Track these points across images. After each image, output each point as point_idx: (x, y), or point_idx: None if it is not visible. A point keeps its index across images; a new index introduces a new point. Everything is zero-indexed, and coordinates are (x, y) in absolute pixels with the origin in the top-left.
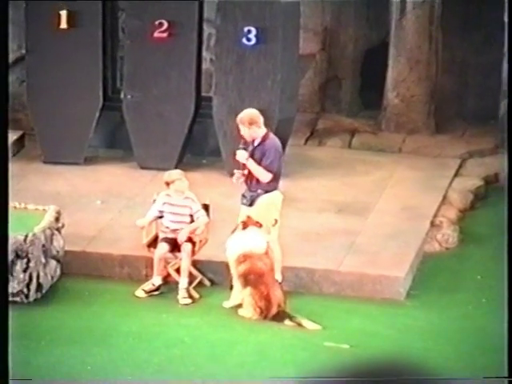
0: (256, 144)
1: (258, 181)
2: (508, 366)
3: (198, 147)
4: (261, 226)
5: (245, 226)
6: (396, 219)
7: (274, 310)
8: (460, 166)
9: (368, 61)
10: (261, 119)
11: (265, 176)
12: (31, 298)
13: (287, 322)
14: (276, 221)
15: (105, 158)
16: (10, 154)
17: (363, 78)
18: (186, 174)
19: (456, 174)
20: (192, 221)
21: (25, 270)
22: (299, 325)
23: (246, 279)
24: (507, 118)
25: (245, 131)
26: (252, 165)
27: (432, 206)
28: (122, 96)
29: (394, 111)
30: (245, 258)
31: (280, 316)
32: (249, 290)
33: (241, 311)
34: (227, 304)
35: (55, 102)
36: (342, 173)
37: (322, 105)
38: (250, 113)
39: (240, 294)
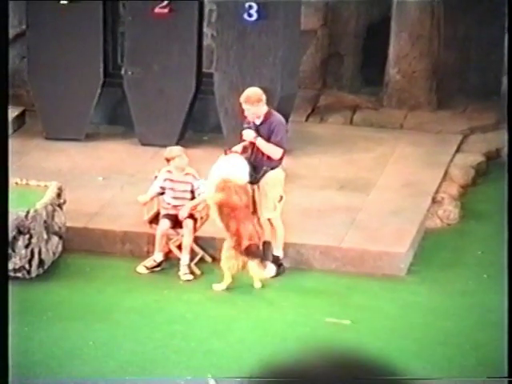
0: (259, 122)
1: (263, 158)
2: (508, 366)
3: (200, 124)
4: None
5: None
6: (397, 195)
7: (244, 243)
8: (461, 142)
9: (370, 36)
10: (264, 96)
11: (276, 152)
12: (33, 274)
13: (255, 261)
14: (281, 197)
15: (106, 135)
16: (11, 131)
17: (365, 54)
18: (187, 150)
19: (457, 150)
20: (193, 197)
21: (27, 246)
22: (263, 265)
23: (221, 210)
24: (507, 95)
25: (249, 110)
26: (262, 142)
27: (433, 182)
28: (122, 72)
29: (395, 87)
30: (224, 184)
31: (252, 251)
32: (223, 223)
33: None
34: (218, 287)
35: (56, 77)
36: (343, 149)
37: (323, 81)
38: (255, 90)
39: (229, 278)
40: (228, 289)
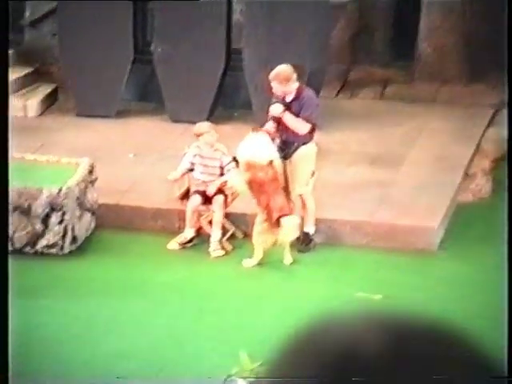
0: (291, 99)
1: (294, 133)
2: (508, 366)
3: (229, 100)
4: (274, 136)
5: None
6: (429, 170)
7: (275, 216)
8: (494, 116)
9: (400, 10)
10: (293, 75)
11: (303, 127)
12: (66, 250)
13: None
14: (313, 172)
15: (136, 111)
16: (44, 108)
17: (395, 28)
18: (217, 126)
19: (490, 124)
20: (222, 173)
21: (60, 223)
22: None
23: (250, 186)
24: (507, 96)
25: (277, 88)
26: (289, 117)
27: (465, 156)
28: (152, 49)
29: (426, 60)
30: (248, 166)
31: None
32: (255, 198)
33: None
34: (248, 263)
35: (87, 54)
36: (374, 124)
37: (353, 56)
38: (286, 69)
39: (260, 253)
40: (259, 264)
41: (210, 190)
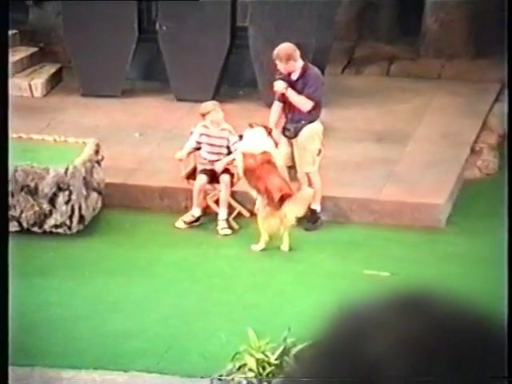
0: (295, 77)
1: (300, 111)
2: (508, 366)
3: (235, 78)
4: (270, 130)
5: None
6: (435, 146)
7: (276, 196)
8: (500, 91)
9: None
10: (297, 53)
11: (306, 104)
12: (74, 230)
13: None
14: (320, 151)
15: (142, 91)
16: (49, 88)
17: (401, 4)
18: (222, 105)
19: (496, 99)
20: (229, 152)
21: (67, 202)
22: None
23: (246, 178)
24: (507, 94)
25: (281, 66)
26: (292, 94)
27: (472, 132)
28: (157, 27)
29: (432, 36)
30: (242, 157)
31: (285, 199)
32: (253, 188)
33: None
34: (256, 247)
35: (92, 34)
36: (380, 101)
37: (359, 32)
38: (286, 48)
39: (267, 238)
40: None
41: (218, 167)
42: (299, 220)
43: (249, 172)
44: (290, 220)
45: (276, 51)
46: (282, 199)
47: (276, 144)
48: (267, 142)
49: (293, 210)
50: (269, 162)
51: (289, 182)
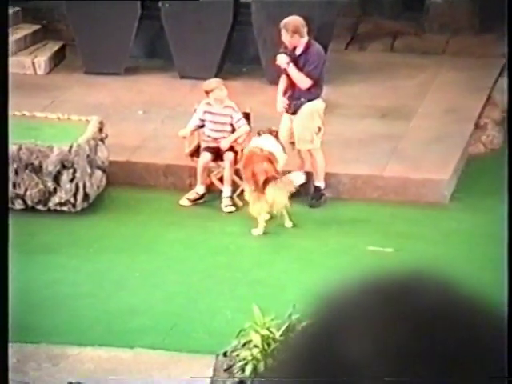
0: (299, 53)
1: (300, 88)
2: (508, 366)
3: (238, 55)
4: (276, 133)
5: (264, 133)
6: (439, 122)
7: (261, 179)
8: (504, 66)
9: None
10: (305, 29)
11: (305, 82)
12: (78, 208)
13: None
14: (320, 129)
15: (145, 68)
16: (52, 65)
17: None
18: (226, 82)
19: (501, 74)
20: (233, 129)
21: (71, 180)
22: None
23: (243, 169)
24: (507, 93)
25: (286, 37)
26: (293, 70)
27: (476, 108)
28: (160, 4)
29: (436, 11)
30: (245, 156)
31: (269, 181)
32: (246, 179)
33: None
34: (255, 232)
35: (94, 12)
36: (384, 77)
37: (362, 8)
38: (294, 20)
39: (263, 222)
40: (270, 220)
41: (223, 145)
42: (304, 197)
43: (246, 160)
44: (278, 203)
45: (284, 21)
46: (266, 182)
47: (284, 148)
48: (276, 146)
49: (275, 193)
50: (261, 154)
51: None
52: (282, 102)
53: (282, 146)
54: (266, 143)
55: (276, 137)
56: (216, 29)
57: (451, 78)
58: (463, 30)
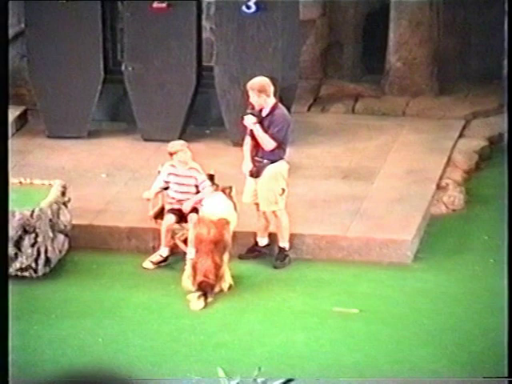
0: (265, 114)
1: (264, 150)
2: (508, 366)
3: (201, 117)
4: (230, 191)
5: (216, 190)
6: (402, 183)
7: (198, 279)
8: (464, 127)
9: (369, 25)
10: (271, 88)
11: (269, 144)
12: (40, 273)
13: (205, 298)
14: (283, 190)
15: (108, 131)
16: (14, 130)
17: (365, 42)
18: (189, 144)
19: (460, 135)
20: (198, 191)
21: (33, 245)
22: (206, 301)
23: (194, 243)
24: (507, 83)
25: (254, 98)
26: (259, 131)
27: (437, 168)
28: (123, 68)
29: (396, 74)
30: (198, 221)
31: (202, 287)
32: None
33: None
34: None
35: (57, 75)
36: (346, 138)
37: (324, 71)
38: (260, 80)
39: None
40: (235, 282)
41: (186, 207)
42: (268, 258)
43: (197, 241)
44: (188, 298)
45: (251, 82)
46: (200, 284)
47: (235, 205)
48: (226, 207)
49: (193, 297)
50: (214, 241)
51: (218, 268)
52: (248, 163)
53: (234, 203)
54: (217, 206)
55: (229, 194)
56: (179, 91)
57: (412, 140)
58: (423, 92)
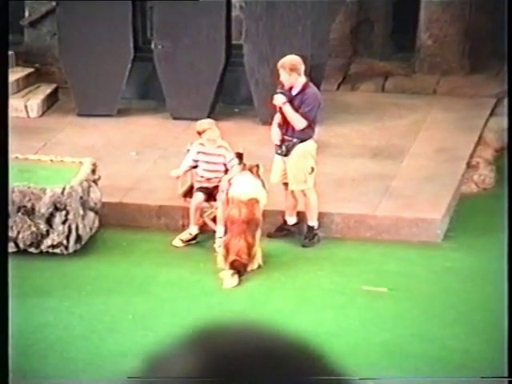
0: (295, 93)
1: (293, 129)
2: (508, 366)
3: (230, 96)
4: (257, 170)
5: (243, 169)
6: (431, 161)
7: (231, 258)
8: (495, 105)
9: (400, 2)
10: (302, 67)
11: (300, 123)
12: (71, 250)
13: (239, 275)
14: (313, 169)
15: (138, 110)
16: (45, 108)
17: (395, 20)
18: (218, 123)
19: (491, 114)
20: (226, 169)
21: (64, 222)
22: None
23: (226, 224)
24: (507, 87)
25: (284, 77)
26: (288, 110)
27: (468, 147)
28: (152, 46)
29: (427, 52)
30: (228, 202)
31: (235, 266)
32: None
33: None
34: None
35: (87, 54)
36: (375, 117)
37: (353, 49)
38: (292, 59)
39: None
40: (263, 261)
41: (223, 187)
42: (297, 236)
43: (229, 221)
44: (221, 276)
45: (282, 60)
46: (233, 263)
47: (263, 183)
48: (255, 186)
49: (227, 274)
50: (247, 221)
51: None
52: (276, 133)
53: (262, 181)
54: (246, 186)
55: (256, 173)
56: (208, 70)
57: (442, 118)
58: (453, 70)
